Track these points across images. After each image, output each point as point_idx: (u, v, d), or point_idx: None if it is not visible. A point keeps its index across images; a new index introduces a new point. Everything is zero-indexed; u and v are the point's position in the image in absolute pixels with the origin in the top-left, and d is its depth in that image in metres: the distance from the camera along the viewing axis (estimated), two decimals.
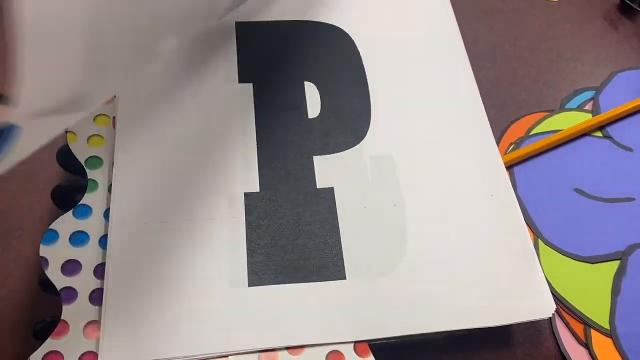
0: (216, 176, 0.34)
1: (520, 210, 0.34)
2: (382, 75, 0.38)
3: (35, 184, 0.37)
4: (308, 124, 0.36)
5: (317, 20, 0.41)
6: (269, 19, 0.40)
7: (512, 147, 0.39)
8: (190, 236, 0.32)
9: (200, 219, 0.33)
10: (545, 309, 0.30)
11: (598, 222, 0.36)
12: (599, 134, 0.39)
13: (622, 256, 0.34)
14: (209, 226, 0.33)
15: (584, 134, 0.39)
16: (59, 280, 0.31)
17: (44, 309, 0.33)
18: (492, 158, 0.35)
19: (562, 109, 0.40)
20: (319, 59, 0.39)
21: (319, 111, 0.36)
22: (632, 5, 0.44)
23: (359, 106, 0.37)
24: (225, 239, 0.32)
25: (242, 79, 0.37)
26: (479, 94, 0.38)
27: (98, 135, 0.35)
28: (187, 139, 0.35)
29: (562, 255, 0.35)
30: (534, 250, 0.32)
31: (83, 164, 0.34)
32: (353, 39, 0.40)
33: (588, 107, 0.40)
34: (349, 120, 0.36)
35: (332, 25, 0.40)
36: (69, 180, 0.35)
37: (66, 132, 0.35)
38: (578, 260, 0.34)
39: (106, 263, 0.31)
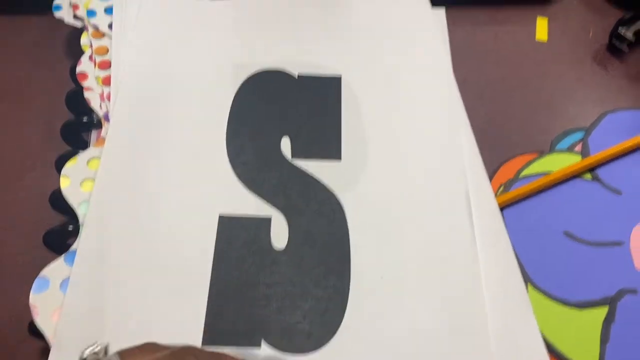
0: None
1: (513, 251, 0.34)
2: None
3: (27, 227, 0.37)
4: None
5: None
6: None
7: (502, 188, 0.39)
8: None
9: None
10: None
11: (587, 266, 0.36)
12: (588, 176, 0.39)
13: (610, 302, 0.34)
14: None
15: (574, 176, 0.39)
16: (48, 328, 0.31)
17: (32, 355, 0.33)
18: (488, 199, 0.36)
19: (552, 150, 0.41)
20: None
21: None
22: (621, 46, 0.45)
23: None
24: None
25: None
26: (472, 135, 0.39)
27: (91, 179, 0.36)
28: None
29: (550, 300, 0.35)
30: (526, 290, 0.33)
31: (75, 208, 0.35)
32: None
33: (578, 148, 0.41)
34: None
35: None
36: (61, 224, 0.35)
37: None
38: (567, 306, 0.34)
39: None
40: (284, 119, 0.39)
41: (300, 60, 0.41)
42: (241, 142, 0.38)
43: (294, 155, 0.37)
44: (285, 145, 0.38)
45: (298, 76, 0.41)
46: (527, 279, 0.35)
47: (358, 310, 0.32)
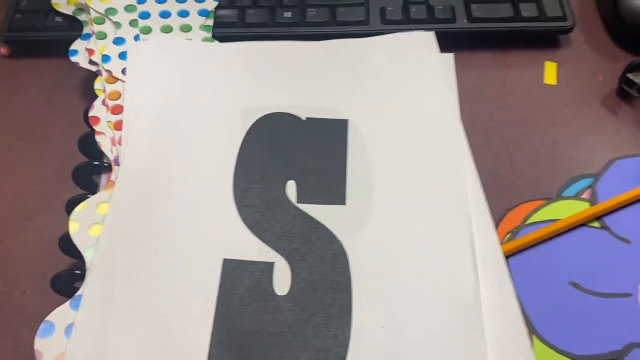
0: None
1: (517, 305, 0.34)
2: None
3: (37, 269, 0.38)
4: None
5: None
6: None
7: (508, 236, 0.39)
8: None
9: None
10: None
11: (594, 318, 0.35)
12: (596, 224, 0.39)
13: (618, 356, 0.34)
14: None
15: (581, 224, 0.39)
16: None
17: None
18: (493, 247, 0.36)
19: (559, 197, 0.41)
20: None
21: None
22: (630, 91, 0.45)
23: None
24: None
25: None
26: (479, 183, 0.39)
27: (100, 223, 0.36)
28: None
29: (557, 354, 0.34)
30: (530, 344, 0.32)
31: (82, 253, 0.35)
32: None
33: (586, 195, 0.40)
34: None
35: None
36: (69, 268, 0.36)
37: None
38: None
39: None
40: (290, 162, 0.39)
41: (308, 103, 0.42)
42: (247, 186, 0.38)
43: (299, 199, 0.38)
44: (291, 189, 0.38)
45: (306, 119, 0.41)
46: (532, 330, 0.35)
47: None
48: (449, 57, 0.45)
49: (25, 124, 0.45)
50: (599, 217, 0.39)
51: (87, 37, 0.45)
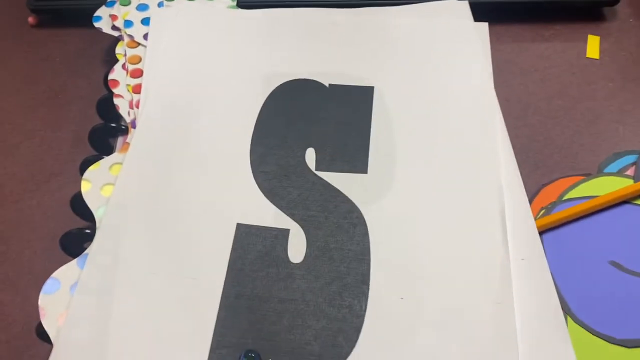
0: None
1: (552, 278, 0.31)
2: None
3: (48, 230, 0.37)
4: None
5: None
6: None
7: (542, 212, 0.36)
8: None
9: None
10: None
11: (635, 300, 0.32)
12: None
13: None
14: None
15: (624, 201, 0.36)
16: (53, 331, 0.30)
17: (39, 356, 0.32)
18: (526, 220, 0.33)
19: (600, 173, 0.38)
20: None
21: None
22: None
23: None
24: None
25: None
26: (514, 156, 0.36)
27: (112, 184, 0.35)
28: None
29: (593, 336, 0.31)
30: (565, 322, 0.30)
31: (93, 212, 0.34)
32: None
33: (629, 172, 0.37)
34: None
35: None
36: (79, 227, 0.35)
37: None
38: (612, 343, 0.31)
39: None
40: (311, 129, 0.38)
41: (333, 69, 0.40)
42: (264, 151, 0.37)
43: (318, 166, 0.36)
44: (310, 156, 0.37)
45: (329, 86, 0.39)
46: (567, 311, 0.32)
47: (373, 334, 0.30)
48: (484, 26, 0.42)
49: (48, 91, 0.45)
50: None
51: (112, 4, 0.45)
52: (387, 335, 0.30)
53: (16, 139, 0.42)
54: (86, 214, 0.35)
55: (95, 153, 0.38)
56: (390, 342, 0.30)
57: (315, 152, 0.37)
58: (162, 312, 0.31)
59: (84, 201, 0.35)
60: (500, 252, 0.32)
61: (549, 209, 0.36)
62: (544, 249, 0.34)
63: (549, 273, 0.31)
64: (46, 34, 0.48)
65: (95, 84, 0.44)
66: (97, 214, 0.34)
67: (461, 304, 0.30)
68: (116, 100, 0.39)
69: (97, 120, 0.40)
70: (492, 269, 0.31)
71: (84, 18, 0.45)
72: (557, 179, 0.38)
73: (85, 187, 0.35)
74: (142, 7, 0.44)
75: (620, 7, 0.46)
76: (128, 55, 0.41)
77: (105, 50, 0.47)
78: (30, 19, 0.49)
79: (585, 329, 0.31)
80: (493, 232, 0.33)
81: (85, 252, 0.33)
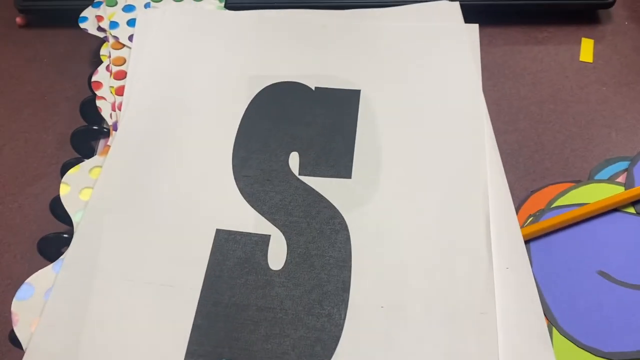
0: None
1: (536, 288, 0.31)
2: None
3: (27, 234, 0.37)
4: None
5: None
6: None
7: (530, 219, 0.35)
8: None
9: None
10: None
11: (624, 312, 0.31)
12: (631, 210, 0.35)
13: None
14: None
15: (614, 209, 0.35)
16: (25, 338, 0.29)
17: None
18: (511, 228, 0.33)
19: (590, 180, 0.37)
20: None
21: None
22: None
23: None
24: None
25: None
26: (501, 162, 0.35)
27: (91, 187, 0.35)
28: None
29: (579, 349, 0.30)
30: (548, 334, 0.29)
31: (72, 217, 0.34)
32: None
33: (621, 179, 0.36)
34: None
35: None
36: (57, 232, 0.34)
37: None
38: (598, 357, 0.30)
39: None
40: (295, 133, 0.37)
41: (319, 72, 0.40)
42: (247, 155, 0.36)
43: (301, 171, 0.35)
44: (294, 160, 0.36)
45: (315, 89, 0.39)
46: (553, 323, 0.31)
47: (352, 344, 0.29)
48: (474, 27, 0.41)
49: (34, 92, 0.44)
50: (634, 203, 0.35)
51: (98, 5, 0.44)
52: (366, 345, 0.29)
53: (0, 141, 0.41)
54: (66, 218, 0.34)
55: (77, 156, 0.38)
56: (369, 351, 0.29)
57: (299, 156, 0.36)
58: (137, 319, 0.30)
59: (62, 205, 0.34)
60: (484, 260, 0.31)
61: (537, 216, 0.35)
62: (530, 257, 0.33)
63: (534, 282, 0.31)
64: (34, 34, 0.48)
65: (81, 85, 0.43)
66: (75, 218, 0.34)
67: (444, 314, 0.30)
68: (99, 103, 0.39)
69: (82, 123, 0.39)
70: (475, 277, 0.31)
71: (73, 18, 0.44)
72: (546, 186, 0.37)
73: (64, 191, 0.35)
74: (129, 8, 0.43)
75: (615, 10, 0.45)
76: (112, 56, 0.41)
77: (93, 52, 0.46)
78: (18, 19, 0.48)
79: (572, 341, 0.31)
80: (477, 239, 0.32)
81: (62, 257, 0.32)
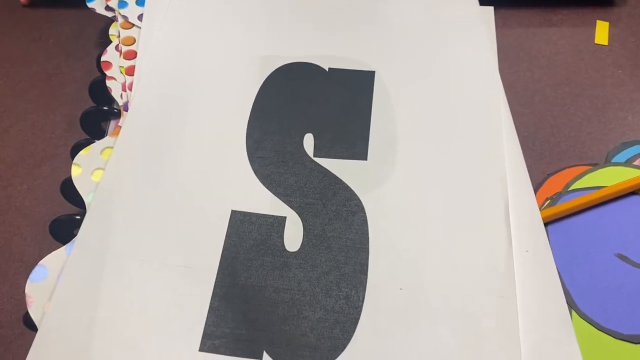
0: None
1: (556, 271, 0.30)
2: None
3: (38, 216, 0.36)
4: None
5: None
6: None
7: (547, 202, 0.35)
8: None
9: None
10: None
11: None
12: None
13: None
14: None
15: (632, 192, 0.35)
16: (39, 319, 0.29)
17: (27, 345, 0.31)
18: (530, 211, 0.32)
19: (607, 163, 0.36)
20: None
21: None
22: None
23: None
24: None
25: None
26: (518, 144, 0.35)
27: (103, 168, 0.34)
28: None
29: (598, 331, 0.30)
30: (569, 317, 0.29)
31: (84, 198, 0.33)
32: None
33: (638, 162, 0.36)
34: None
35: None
36: (69, 213, 0.34)
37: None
38: (618, 339, 0.30)
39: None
40: (309, 115, 0.36)
41: (333, 53, 0.39)
42: (261, 136, 0.35)
43: (316, 152, 0.35)
44: (308, 142, 0.35)
45: (329, 70, 0.38)
46: (572, 306, 0.31)
47: (371, 325, 0.29)
48: (489, 9, 0.41)
49: (40, 73, 0.43)
50: None
51: None
52: (385, 327, 0.29)
53: (6, 122, 0.41)
54: (77, 200, 0.34)
55: (87, 137, 0.37)
56: (388, 334, 0.29)
57: (314, 138, 0.35)
58: (151, 301, 0.30)
59: (74, 186, 0.34)
60: (504, 243, 0.31)
61: (554, 199, 0.35)
62: (548, 240, 0.33)
63: (554, 266, 0.30)
64: (39, 14, 0.47)
65: (88, 66, 0.42)
66: (87, 199, 0.33)
67: (463, 297, 0.29)
68: (109, 83, 0.38)
69: (91, 104, 0.38)
70: (495, 260, 0.30)
71: None
72: (563, 169, 0.36)
73: (76, 172, 0.34)
74: None
75: None
76: (122, 36, 0.40)
77: (100, 32, 0.45)
78: None
79: (591, 323, 0.30)
80: (496, 222, 0.31)
81: (74, 239, 0.32)
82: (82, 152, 0.35)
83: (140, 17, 0.41)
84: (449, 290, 0.30)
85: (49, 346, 0.28)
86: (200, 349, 0.28)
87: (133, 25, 0.41)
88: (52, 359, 0.28)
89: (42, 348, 0.28)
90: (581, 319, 0.31)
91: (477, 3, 0.41)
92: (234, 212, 0.33)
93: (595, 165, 0.36)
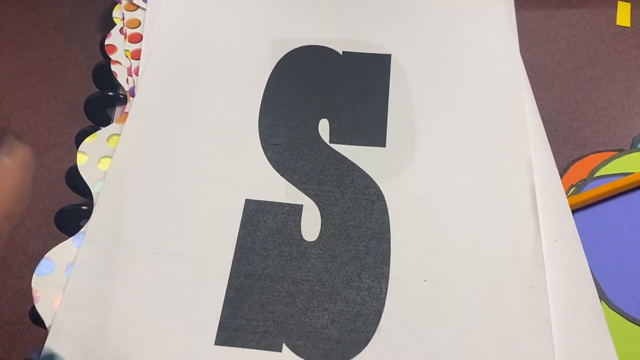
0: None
1: (586, 263, 0.29)
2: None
3: (42, 207, 0.35)
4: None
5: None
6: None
7: (573, 190, 0.34)
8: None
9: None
10: None
11: None
12: None
13: None
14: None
15: None
16: (47, 315, 0.28)
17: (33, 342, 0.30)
18: (558, 198, 0.31)
19: (634, 148, 0.35)
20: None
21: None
22: None
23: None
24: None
25: None
26: (543, 128, 0.33)
27: (110, 157, 0.33)
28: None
29: (629, 323, 0.29)
30: (605, 321, 0.27)
31: (90, 187, 0.32)
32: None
33: None
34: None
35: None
36: (75, 203, 0.32)
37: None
38: None
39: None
40: (324, 100, 0.35)
41: (347, 36, 0.37)
42: (274, 122, 0.34)
43: (332, 139, 0.33)
44: (323, 128, 0.34)
45: (343, 53, 0.37)
46: (601, 296, 0.30)
47: (396, 318, 0.28)
48: None
49: (40, 57, 0.42)
50: None
51: None
52: (411, 320, 0.28)
53: (6, 109, 0.39)
54: (82, 189, 0.32)
55: (91, 124, 0.36)
56: (414, 327, 0.27)
57: (329, 124, 0.34)
58: (165, 293, 0.28)
59: (80, 175, 0.32)
60: (532, 233, 0.29)
61: (579, 186, 0.34)
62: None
63: (584, 256, 0.29)
64: None
65: (90, 49, 0.41)
66: (94, 188, 0.32)
67: (490, 288, 0.28)
68: (114, 67, 0.36)
69: (94, 89, 0.37)
70: (523, 250, 0.29)
71: None
72: (587, 155, 0.35)
73: (81, 160, 0.33)
74: None
75: None
76: (126, 18, 0.38)
77: (101, 15, 0.44)
78: None
79: (621, 314, 0.29)
80: (523, 210, 0.30)
81: (82, 230, 0.30)
82: (87, 140, 0.33)
83: None
84: (476, 281, 0.28)
85: (62, 343, 0.27)
86: (217, 342, 0.27)
87: (137, 7, 0.39)
88: (66, 354, 0.26)
89: (56, 345, 0.27)
90: (611, 310, 0.29)
91: None
92: (248, 201, 0.31)
93: (621, 151, 0.35)
